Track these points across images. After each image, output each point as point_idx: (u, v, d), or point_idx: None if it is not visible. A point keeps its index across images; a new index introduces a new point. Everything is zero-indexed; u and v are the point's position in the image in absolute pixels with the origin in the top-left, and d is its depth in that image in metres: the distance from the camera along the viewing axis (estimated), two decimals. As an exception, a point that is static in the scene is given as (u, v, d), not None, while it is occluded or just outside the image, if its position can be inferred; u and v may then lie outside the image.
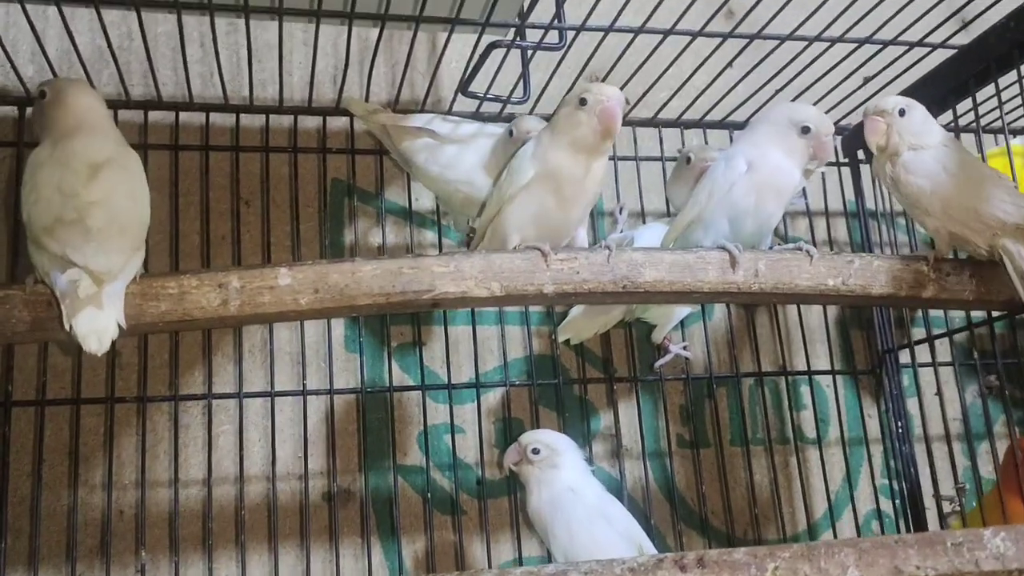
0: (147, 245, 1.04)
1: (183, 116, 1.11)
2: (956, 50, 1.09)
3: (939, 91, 1.10)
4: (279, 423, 1.09)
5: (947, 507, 1.13)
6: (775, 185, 0.91)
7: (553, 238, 0.86)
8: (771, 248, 0.93)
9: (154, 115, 1.10)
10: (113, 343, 0.72)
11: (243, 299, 0.80)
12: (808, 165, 0.92)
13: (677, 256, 0.87)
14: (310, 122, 1.16)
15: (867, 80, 1.17)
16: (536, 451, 0.99)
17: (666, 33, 1.00)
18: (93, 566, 1.02)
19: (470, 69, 1.04)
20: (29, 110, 1.06)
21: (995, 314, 1.03)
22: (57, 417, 1.04)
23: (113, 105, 1.07)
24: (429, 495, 1.10)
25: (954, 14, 1.07)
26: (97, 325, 0.73)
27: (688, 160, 1.10)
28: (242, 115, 1.12)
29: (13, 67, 0.99)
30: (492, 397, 1.18)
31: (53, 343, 1.01)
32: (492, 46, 1.00)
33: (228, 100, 1.09)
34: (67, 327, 0.72)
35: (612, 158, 1.20)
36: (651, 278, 0.86)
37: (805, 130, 0.91)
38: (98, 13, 0.90)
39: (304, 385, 1.08)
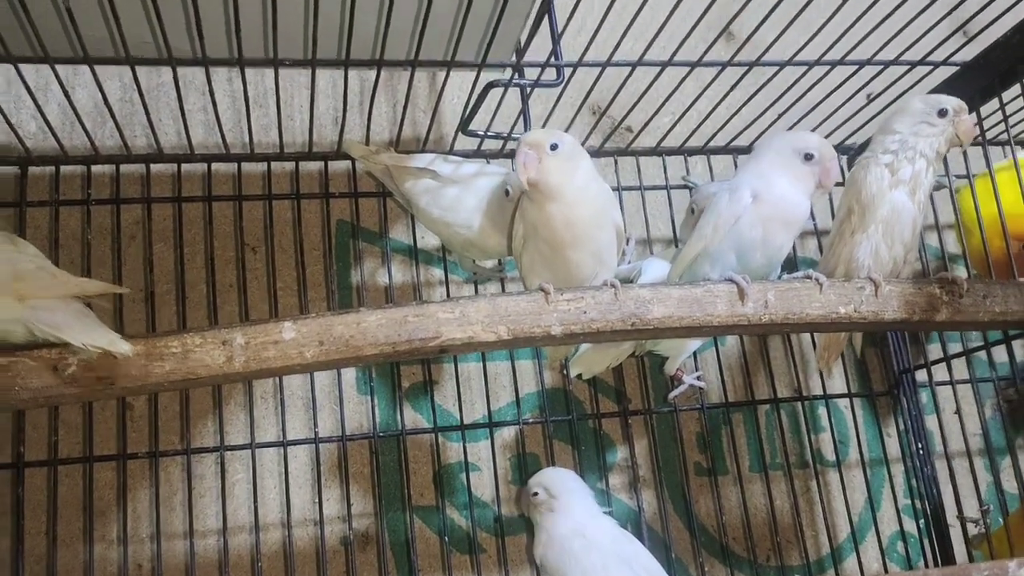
0: (153, 296, 1.06)
1: (185, 166, 1.11)
2: (959, 67, 1.08)
3: (944, 107, 1.09)
4: (293, 469, 1.08)
5: (972, 529, 1.11)
6: (783, 216, 0.90)
7: (566, 282, 0.86)
8: (780, 278, 0.92)
9: (156, 167, 1.10)
10: (124, 399, 0.72)
11: (248, 355, 0.79)
12: (815, 191, 0.91)
13: (685, 291, 0.86)
14: (312, 166, 1.16)
15: (871, 99, 1.16)
16: (535, 494, 0.98)
17: (665, 65, 0.99)
18: (111, 622, 1.02)
19: (469, 108, 1.04)
20: (32, 169, 1.06)
21: (1012, 332, 1.02)
22: (72, 473, 1.04)
23: (115, 160, 1.08)
24: (447, 537, 1.10)
25: (957, 30, 1.06)
26: None
27: (692, 211, 1.09)
28: (243, 163, 1.12)
29: (12, 128, 0.99)
30: (506, 433, 1.17)
31: None
32: (490, 85, 1.00)
33: (229, 149, 1.09)
34: None
35: (616, 188, 1.19)
36: (659, 314, 0.85)
37: (808, 157, 0.90)
38: (93, 73, 0.90)
39: (316, 433, 1.08)
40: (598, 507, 1.00)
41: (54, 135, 0.99)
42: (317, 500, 1.07)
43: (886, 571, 1.21)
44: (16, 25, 0.84)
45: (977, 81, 1.06)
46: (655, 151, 1.22)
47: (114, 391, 0.78)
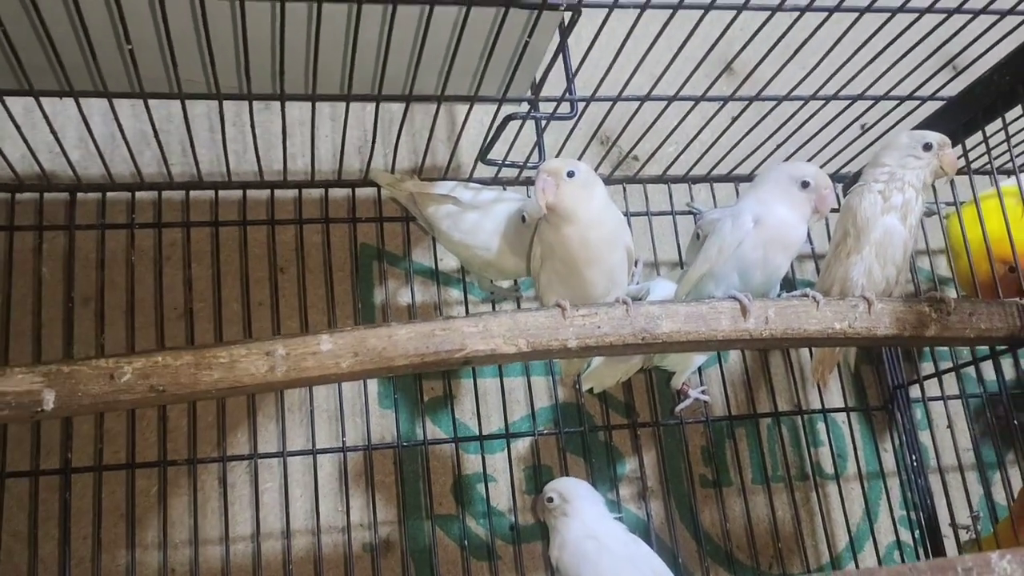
0: (192, 313, 1.12)
1: (222, 193, 1.18)
2: (945, 101, 1.16)
3: (931, 139, 1.17)
4: (320, 479, 1.14)
5: (964, 535, 1.17)
6: (782, 239, 0.97)
7: (581, 299, 0.92)
8: (779, 296, 0.98)
9: (194, 193, 1.18)
10: (165, 407, 0.75)
11: (289, 365, 0.85)
12: (811, 217, 0.99)
13: (691, 308, 0.92)
14: (340, 193, 1.24)
15: (864, 130, 1.23)
16: (550, 499, 1.04)
17: (671, 100, 1.06)
18: (149, 622, 1.07)
19: (488, 139, 1.11)
20: (80, 195, 1.14)
21: (999, 348, 1.08)
22: (110, 481, 1.10)
23: (157, 187, 1.15)
24: (466, 542, 1.16)
25: (944, 66, 1.13)
26: None
27: (698, 236, 1.16)
28: (276, 190, 1.20)
29: (65, 155, 1.06)
30: (521, 445, 1.23)
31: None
32: (508, 118, 1.07)
33: (263, 176, 1.16)
34: None
35: (625, 214, 1.26)
36: (668, 329, 0.91)
37: (805, 184, 0.97)
38: (145, 104, 0.97)
39: (344, 442, 1.14)
40: (609, 513, 1.06)
41: (103, 161, 1.07)
42: (342, 507, 1.13)
43: (883, 580, 1.27)
44: (81, 62, 0.92)
45: (962, 115, 1.13)
46: (661, 179, 1.30)
47: (165, 398, 0.84)
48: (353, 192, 1.22)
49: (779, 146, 1.21)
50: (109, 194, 1.15)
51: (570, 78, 1.05)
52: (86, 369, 0.82)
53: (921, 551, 1.27)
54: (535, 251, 1.00)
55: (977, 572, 0.77)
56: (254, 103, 1.00)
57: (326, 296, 1.20)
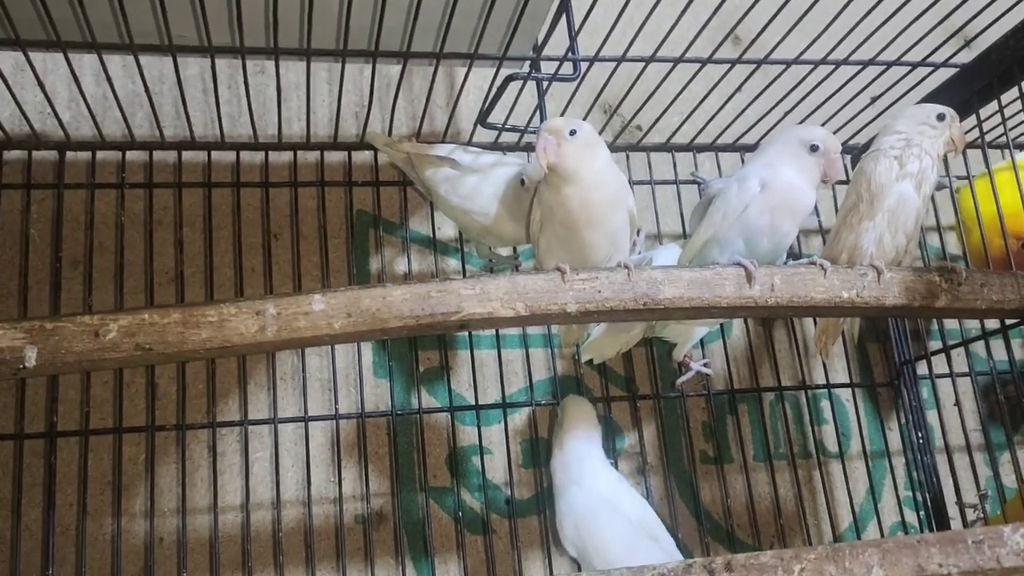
0: (183, 276, 1.10)
1: (215, 155, 1.15)
2: (958, 68, 1.13)
3: (943, 109, 1.14)
4: (312, 449, 1.12)
5: (971, 514, 1.15)
6: (789, 204, 0.94)
7: (581, 263, 0.90)
8: (786, 263, 0.96)
9: (187, 155, 1.15)
10: (153, 372, 0.74)
11: (280, 325, 0.83)
12: (820, 183, 0.96)
13: (695, 273, 0.90)
14: (335, 157, 1.21)
15: (873, 100, 1.20)
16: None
17: (676, 61, 1.04)
18: (136, 592, 1.05)
19: (488, 101, 1.08)
20: (69, 154, 1.11)
21: (1009, 322, 1.06)
22: (96, 447, 1.08)
23: (148, 146, 1.13)
24: (461, 515, 1.13)
25: (955, 33, 1.10)
26: None
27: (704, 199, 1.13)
28: (270, 152, 1.17)
29: (55, 113, 1.04)
30: (518, 418, 1.21)
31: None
32: (510, 79, 1.04)
33: (257, 139, 1.13)
34: None
35: (629, 183, 1.23)
36: (671, 295, 0.88)
37: (814, 148, 0.94)
38: (136, 59, 0.95)
39: (336, 409, 1.12)
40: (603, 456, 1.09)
41: (93, 120, 1.04)
42: (334, 478, 1.11)
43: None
44: (71, 16, 0.89)
45: (976, 83, 1.10)
46: (665, 147, 1.27)
47: (152, 357, 0.81)
48: (349, 156, 1.20)
49: (786, 114, 1.18)
50: (99, 154, 1.12)
51: (573, 37, 1.02)
52: (70, 326, 0.80)
53: (926, 531, 1.24)
54: (534, 215, 0.97)
55: (989, 545, 0.75)
56: (248, 66, 0.97)
57: (321, 263, 1.17)
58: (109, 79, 0.97)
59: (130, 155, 1.14)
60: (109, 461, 1.08)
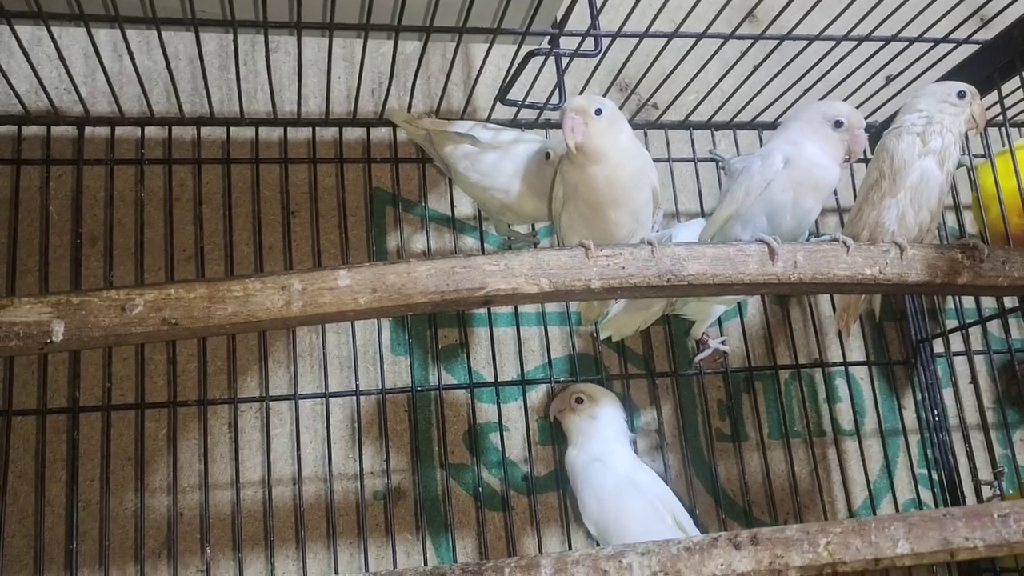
0: (202, 252, 1.10)
1: (233, 131, 1.15)
2: (980, 45, 1.12)
3: (964, 87, 1.13)
4: (332, 425, 1.12)
5: (987, 492, 1.15)
6: (812, 181, 0.94)
7: (604, 240, 0.90)
8: (808, 239, 0.96)
9: (206, 131, 1.15)
10: (174, 349, 0.73)
11: (305, 300, 0.83)
12: (843, 159, 0.95)
13: (718, 250, 0.90)
14: (354, 134, 1.20)
15: (889, 80, 1.20)
16: (579, 400, 1.08)
17: (699, 37, 1.03)
18: (158, 567, 1.05)
19: (509, 76, 1.08)
20: (88, 131, 1.11)
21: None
22: (117, 423, 1.08)
23: (167, 122, 1.12)
24: (480, 490, 1.14)
25: (976, 12, 1.10)
26: None
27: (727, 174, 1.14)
28: (289, 129, 1.16)
29: (75, 88, 1.03)
30: (536, 396, 1.21)
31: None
32: (531, 54, 1.04)
33: (277, 115, 1.13)
34: None
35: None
36: (694, 271, 0.88)
37: (838, 124, 0.94)
38: (158, 32, 0.94)
39: (357, 386, 1.12)
40: (627, 430, 1.11)
41: (113, 95, 1.04)
42: (353, 455, 1.11)
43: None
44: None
45: (997, 60, 1.10)
46: (683, 124, 1.27)
47: (177, 332, 0.81)
48: (368, 132, 1.19)
49: (805, 92, 1.18)
50: (118, 130, 1.12)
51: (595, 14, 1.01)
52: (96, 300, 0.80)
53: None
54: (556, 192, 0.97)
55: (1015, 519, 0.75)
56: (269, 43, 0.97)
57: (340, 241, 1.17)
58: (130, 50, 0.97)
59: (149, 133, 1.13)
60: (131, 436, 1.08)
